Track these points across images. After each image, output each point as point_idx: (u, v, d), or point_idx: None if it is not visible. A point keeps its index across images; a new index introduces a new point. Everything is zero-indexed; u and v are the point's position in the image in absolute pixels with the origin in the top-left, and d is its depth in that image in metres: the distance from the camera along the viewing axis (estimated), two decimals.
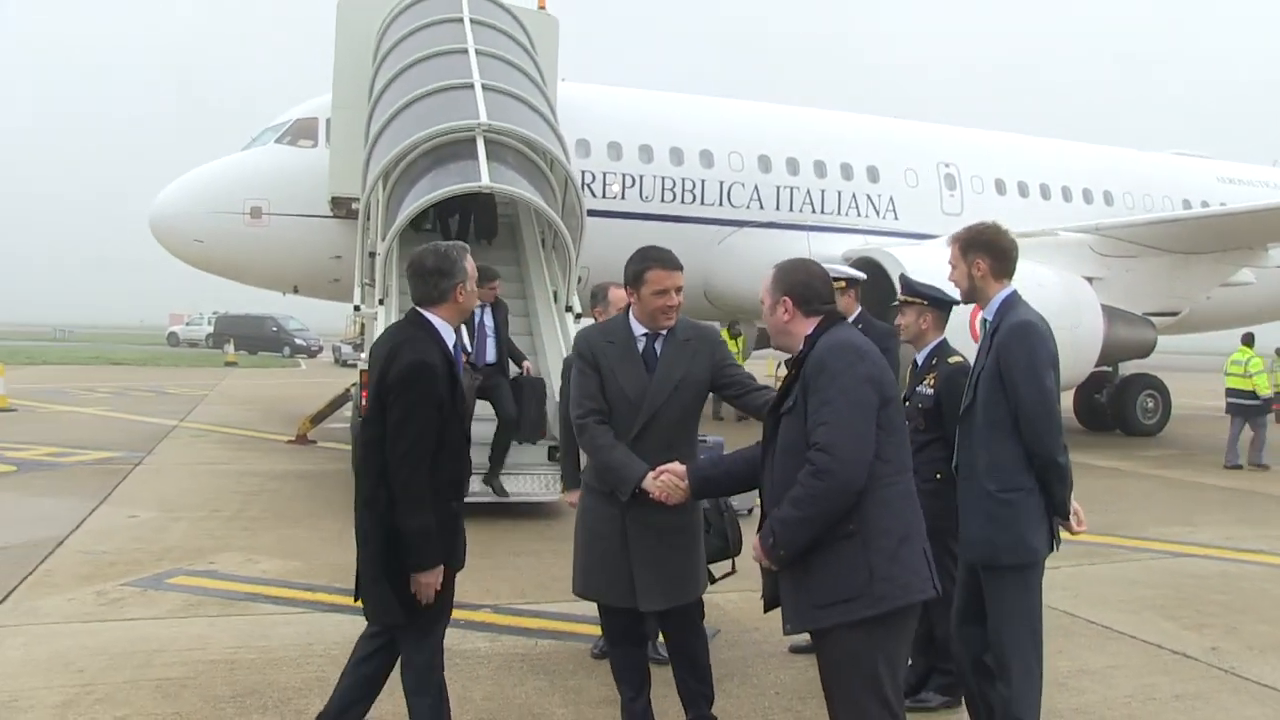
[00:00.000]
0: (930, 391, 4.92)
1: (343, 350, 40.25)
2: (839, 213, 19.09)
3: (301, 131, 16.95)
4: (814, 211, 18.90)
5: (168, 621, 5.94)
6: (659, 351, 4.08)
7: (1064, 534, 4.03)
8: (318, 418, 14.44)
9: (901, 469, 3.21)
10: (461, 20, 12.83)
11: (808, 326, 3.36)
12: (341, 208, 15.16)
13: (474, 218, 12.45)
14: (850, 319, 5.69)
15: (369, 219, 11.32)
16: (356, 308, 11.22)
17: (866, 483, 3.09)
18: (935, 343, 5.11)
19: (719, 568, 4.42)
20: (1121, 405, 18.54)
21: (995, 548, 3.83)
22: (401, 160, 10.49)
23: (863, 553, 3.08)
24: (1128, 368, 19.02)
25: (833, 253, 17.24)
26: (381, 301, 9.99)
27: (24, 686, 4.80)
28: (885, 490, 3.14)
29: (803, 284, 3.40)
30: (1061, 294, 14.97)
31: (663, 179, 18.06)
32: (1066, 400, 19.29)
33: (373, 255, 10.84)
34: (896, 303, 5.28)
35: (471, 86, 11.09)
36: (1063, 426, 3.86)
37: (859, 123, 21.02)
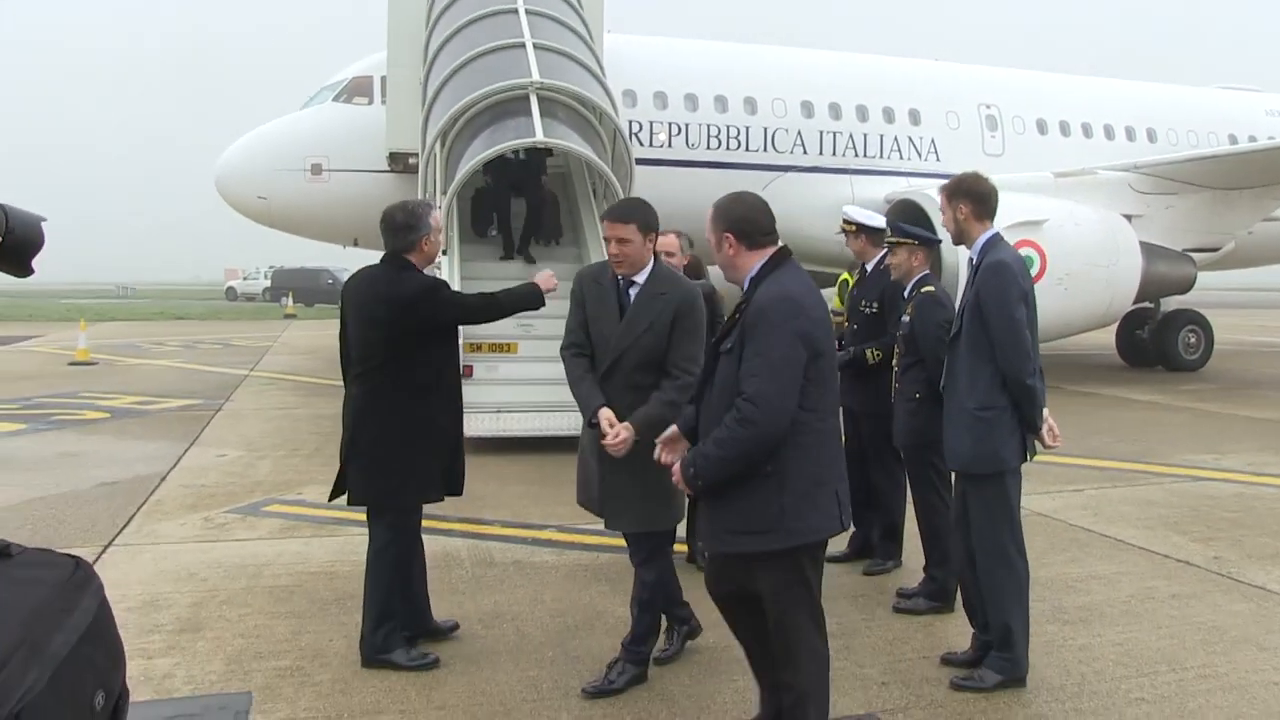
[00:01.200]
0: (907, 319, 5.51)
1: None
2: (881, 156, 19.39)
3: (357, 89, 17.55)
4: (856, 155, 19.21)
5: (269, 541, 6.69)
6: (631, 299, 4.40)
7: (1040, 450, 4.59)
8: None
9: (825, 415, 3.44)
10: None
11: (752, 260, 3.54)
12: (399, 162, 15.77)
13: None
14: (871, 264, 6.24)
15: (428, 175, 11.93)
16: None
17: (788, 429, 3.33)
18: (918, 276, 5.65)
19: None
20: (1163, 341, 18.80)
21: (973, 458, 4.40)
22: (458, 120, 11.09)
23: (777, 493, 3.34)
24: (1170, 304, 19.22)
25: (875, 195, 17.67)
26: (444, 252, 10.65)
27: (160, 591, 5.57)
28: (805, 436, 3.36)
29: (742, 218, 3.58)
30: (1099, 232, 15.32)
31: (708, 126, 18.46)
32: (1108, 336, 19.61)
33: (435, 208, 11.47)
34: (888, 243, 5.83)
35: (523, 45, 11.64)
36: (1031, 353, 4.35)
37: (900, 66, 21.24)
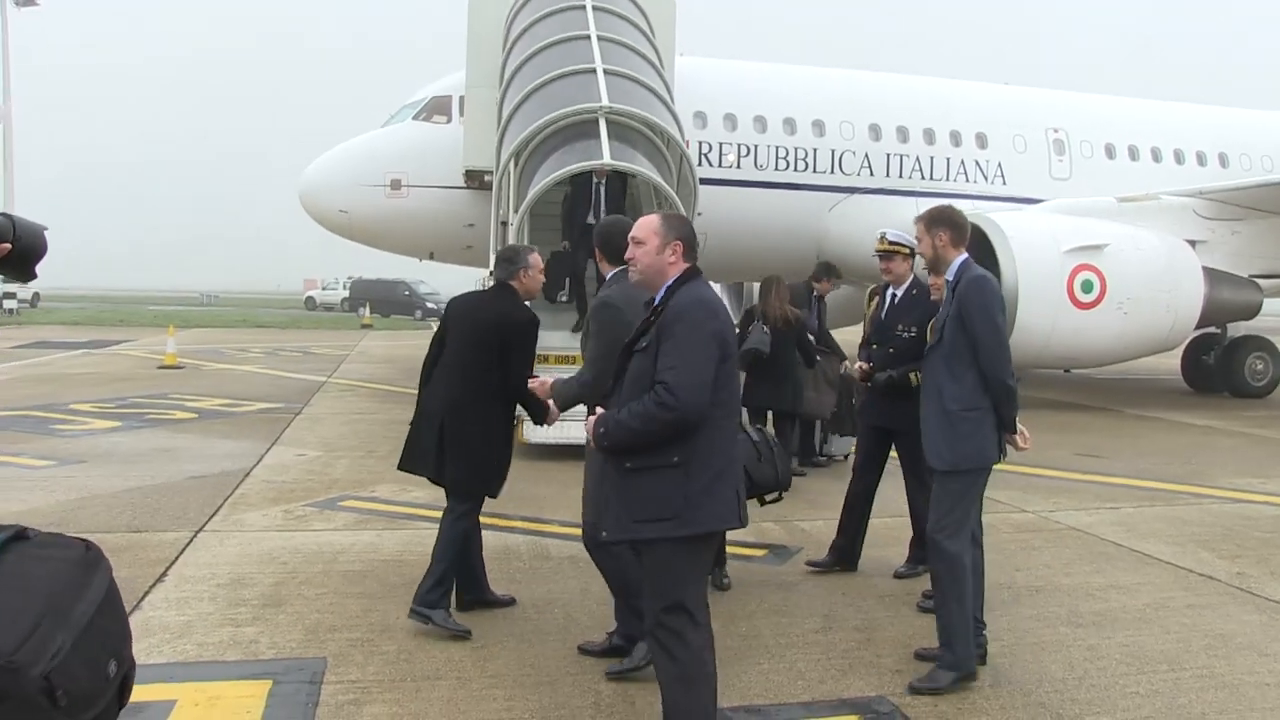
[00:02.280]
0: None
1: None
2: (947, 179, 19.61)
3: (436, 108, 18.25)
4: (923, 178, 19.46)
5: (344, 532, 7.25)
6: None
7: (1011, 453, 4.96)
8: None
9: (729, 414, 3.72)
10: (584, 8, 13.93)
11: (678, 271, 3.81)
12: (475, 179, 16.41)
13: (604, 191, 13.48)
14: (905, 285, 6.58)
15: (501, 193, 12.50)
16: (492, 273, 12.42)
17: (698, 423, 3.56)
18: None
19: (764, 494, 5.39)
20: (1229, 367, 18.73)
21: (957, 455, 4.75)
22: (531, 141, 11.66)
23: (683, 482, 3.53)
24: (1238, 329, 19.14)
25: None
26: None
27: (245, 571, 6.15)
28: (712, 430, 3.59)
29: (692, 233, 3.92)
30: (1161, 257, 15.44)
31: (776, 148, 18.86)
32: (1173, 361, 19.58)
33: (505, 225, 12.03)
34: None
35: (594, 71, 12.18)
36: (1011, 357, 4.80)
37: (968, 90, 21.42)
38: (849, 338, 21.07)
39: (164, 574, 6.09)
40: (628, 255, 3.93)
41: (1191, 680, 4.75)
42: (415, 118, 18.32)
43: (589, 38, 13.17)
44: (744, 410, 5.81)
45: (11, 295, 42.63)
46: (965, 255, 4.99)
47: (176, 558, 6.44)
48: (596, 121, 11.40)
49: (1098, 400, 17.63)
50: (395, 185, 17.72)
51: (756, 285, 13.00)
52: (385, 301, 50.13)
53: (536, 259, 5.62)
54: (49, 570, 1.87)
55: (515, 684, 4.53)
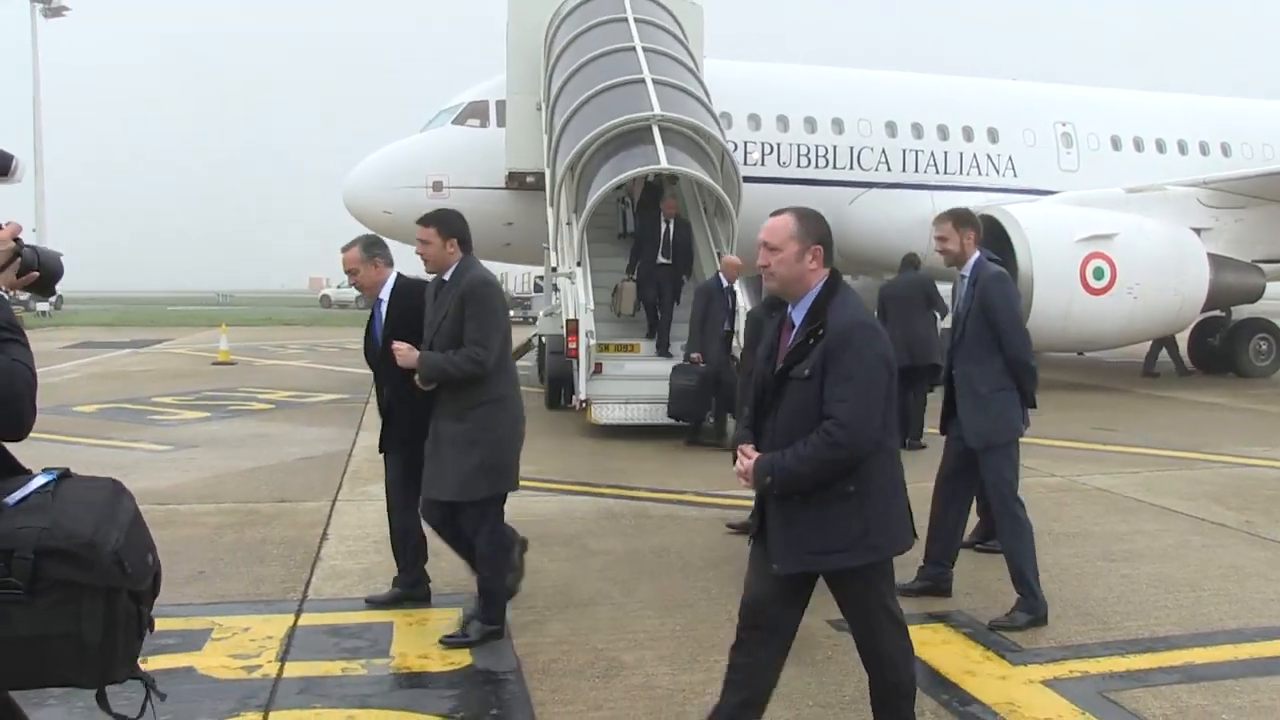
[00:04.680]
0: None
1: None
2: (961, 172, 20.53)
3: (473, 113, 19.20)
4: (937, 172, 20.39)
5: None
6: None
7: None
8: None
9: (893, 433, 3.58)
10: (625, 20, 14.90)
11: (819, 279, 3.58)
12: (516, 180, 17.39)
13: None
14: None
15: (560, 201, 13.50)
16: (554, 269, 13.47)
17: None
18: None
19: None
20: (1234, 348, 19.67)
21: (992, 432, 5.49)
22: (587, 150, 12.66)
23: (859, 511, 3.44)
24: (1241, 312, 20.07)
25: None
26: (579, 264, 12.20)
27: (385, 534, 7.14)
28: (882, 455, 3.50)
29: (829, 233, 3.66)
30: (1167, 244, 16.41)
31: (798, 146, 19.80)
32: (1180, 344, 20.54)
33: (569, 225, 13.05)
34: None
35: (643, 81, 13.18)
36: (1030, 341, 5.63)
37: (980, 86, 22.35)
38: None
39: (325, 534, 7.11)
40: (760, 263, 3.63)
41: (1210, 598, 5.77)
42: (454, 122, 19.26)
43: (634, 49, 14.15)
44: None
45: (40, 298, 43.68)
46: (980, 254, 5.68)
47: (328, 522, 7.46)
48: (649, 129, 12.39)
49: (1110, 381, 18.64)
50: (437, 187, 18.58)
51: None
52: None
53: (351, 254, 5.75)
54: (94, 494, 2.52)
55: (660, 607, 5.54)
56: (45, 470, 2.47)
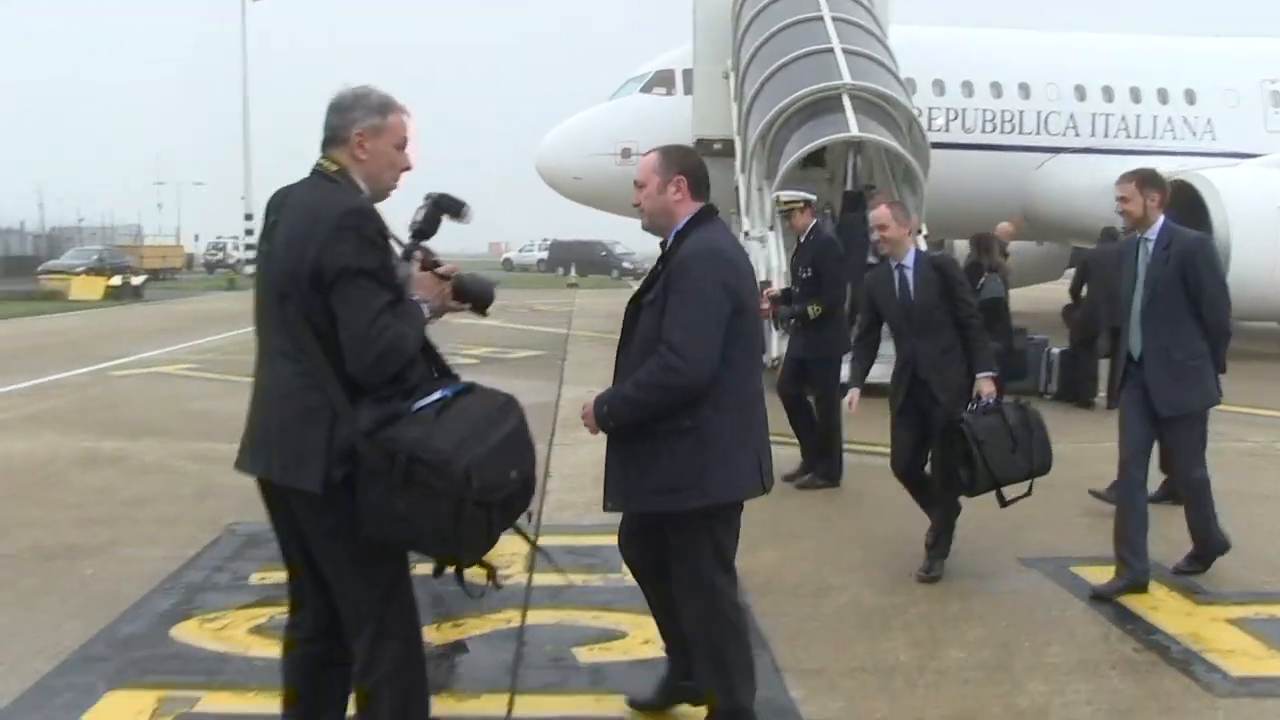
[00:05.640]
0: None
1: None
2: (1154, 136, 20.05)
3: (660, 81, 19.91)
4: (1129, 136, 19.98)
5: None
6: None
7: None
8: None
9: (746, 374, 3.49)
10: None
11: (687, 211, 3.52)
12: (704, 148, 17.90)
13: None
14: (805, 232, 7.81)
15: (751, 169, 14.00)
16: (745, 234, 14.02)
17: (710, 384, 3.35)
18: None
19: (1015, 488, 5.36)
20: None
21: (1190, 400, 5.34)
22: (778, 119, 13.13)
23: (697, 449, 3.34)
24: None
25: None
26: (771, 228, 12.71)
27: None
28: (725, 395, 3.39)
29: (698, 165, 3.61)
30: None
31: (983, 111, 19.76)
32: None
33: (759, 190, 13.56)
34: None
35: (832, 50, 13.56)
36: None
37: (1176, 46, 21.65)
38: (1037, 293, 21.89)
39: (548, 471, 7.88)
40: (633, 202, 3.64)
41: None
42: (642, 90, 19.97)
43: (822, 18, 14.51)
44: (991, 378, 5.41)
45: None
46: (1164, 218, 5.46)
47: (548, 461, 8.25)
48: (838, 97, 12.78)
49: None
50: (625, 154, 19.20)
51: (955, 242, 14.16)
52: (583, 261, 52.05)
53: None
54: (480, 410, 2.95)
55: (860, 541, 6.10)
56: (452, 385, 3.06)
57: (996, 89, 19.81)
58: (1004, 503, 5.32)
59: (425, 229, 3.17)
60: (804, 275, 7.70)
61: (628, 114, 19.72)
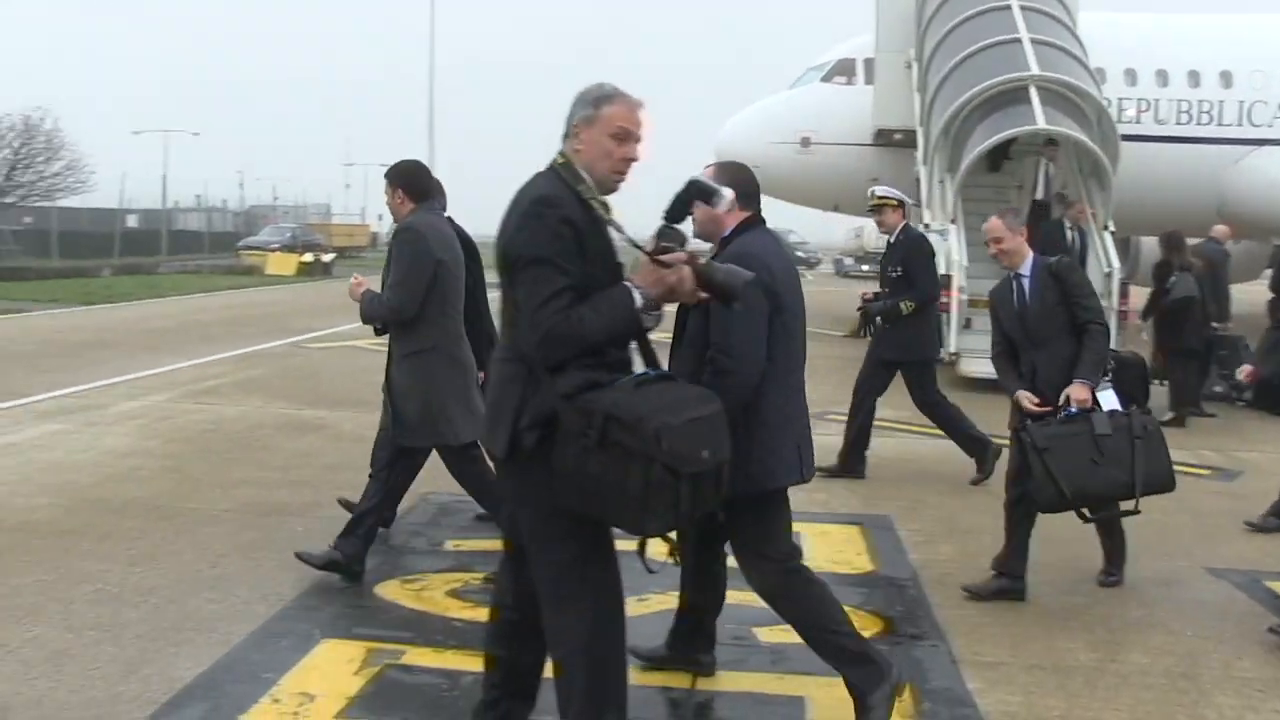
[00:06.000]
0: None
1: (844, 263, 44.97)
2: None
3: (841, 70, 19.66)
4: None
5: None
6: None
7: None
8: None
9: (789, 370, 3.74)
10: None
11: (734, 220, 3.80)
12: (883, 138, 17.76)
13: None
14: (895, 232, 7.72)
15: (933, 161, 13.83)
16: (926, 226, 13.87)
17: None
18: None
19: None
20: None
21: None
22: (962, 111, 12.93)
23: (743, 440, 3.44)
24: None
25: None
26: (953, 221, 12.55)
27: None
28: (768, 388, 3.64)
29: (749, 180, 3.88)
30: None
31: (1179, 102, 18.76)
32: None
33: (941, 183, 13.40)
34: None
35: (1019, 40, 13.25)
36: None
37: None
38: (1235, 293, 20.67)
39: None
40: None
41: None
42: (823, 80, 19.80)
43: (1009, 8, 14.17)
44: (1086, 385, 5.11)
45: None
46: None
47: None
48: (1026, 89, 12.51)
49: None
50: (805, 143, 19.19)
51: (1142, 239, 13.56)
52: None
53: None
54: (676, 394, 3.08)
55: (1038, 539, 5.98)
56: (654, 369, 3.23)
57: (1194, 77, 18.81)
58: (1085, 519, 5.13)
59: (672, 213, 3.27)
60: (893, 275, 7.70)
61: (808, 102, 19.59)
